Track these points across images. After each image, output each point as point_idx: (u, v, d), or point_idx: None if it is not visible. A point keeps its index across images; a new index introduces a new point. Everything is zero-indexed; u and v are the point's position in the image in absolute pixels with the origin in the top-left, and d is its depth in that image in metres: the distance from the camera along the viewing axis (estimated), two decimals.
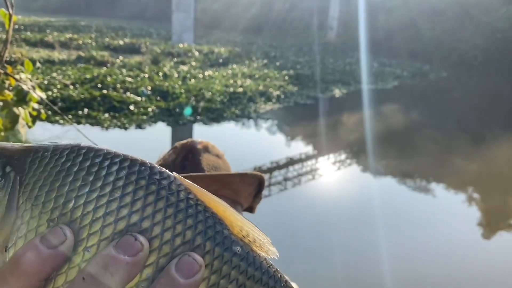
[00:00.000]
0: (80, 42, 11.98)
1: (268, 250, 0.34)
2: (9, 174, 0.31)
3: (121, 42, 12.69)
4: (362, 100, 8.60)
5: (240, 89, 7.79)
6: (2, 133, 1.43)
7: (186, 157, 0.77)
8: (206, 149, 0.80)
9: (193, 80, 8.25)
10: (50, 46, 11.23)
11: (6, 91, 1.37)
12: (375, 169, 5.18)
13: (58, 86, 6.64)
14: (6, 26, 1.19)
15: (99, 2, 30.37)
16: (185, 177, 0.81)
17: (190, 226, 0.30)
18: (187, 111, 6.44)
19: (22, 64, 1.43)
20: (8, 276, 0.28)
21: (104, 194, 0.30)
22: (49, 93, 6.09)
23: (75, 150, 0.32)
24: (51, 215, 0.29)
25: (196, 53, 11.85)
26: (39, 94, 1.42)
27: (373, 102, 8.56)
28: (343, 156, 5.53)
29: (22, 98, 1.37)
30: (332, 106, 8.32)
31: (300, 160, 5.19)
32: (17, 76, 1.36)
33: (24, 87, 1.36)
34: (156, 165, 0.33)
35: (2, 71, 1.36)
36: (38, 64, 8.04)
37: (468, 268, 3.05)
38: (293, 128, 6.91)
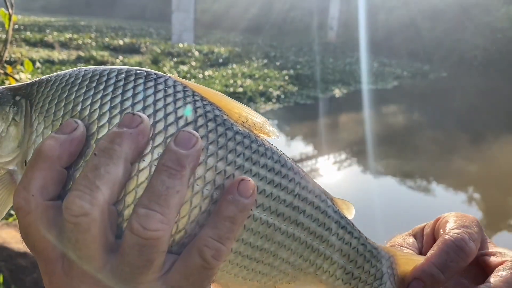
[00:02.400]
0: (80, 42, 11.97)
1: (268, 131, 0.36)
2: (20, 102, 0.35)
3: (121, 42, 12.68)
4: (362, 100, 8.60)
5: (240, 89, 7.78)
6: None
7: None
8: None
9: (193, 80, 8.25)
10: (50, 46, 11.23)
11: None
12: (375, 169, 5.18)
13: None
14: (6, 26, 1.19)
15: (99, 2, 30.36)
16: None
17: (190, 110, 0.33)
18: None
19: (22, 64, 1.43)
20: (33, 164, 0.31)
21: (107, 94, 0.33)
22: None
23: (77, 70, 0.35)
24: (62, 120, 0.32)
25: (196, 53, 11.85)
26: None
27: (373, 102, 8.56)
28: (343, 156, 5.53)
29: None
30: (332, 106, 8.32)
31: (300, 160, 5.19)
32: (17, 76, 1.36)
33: None
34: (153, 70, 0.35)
35: (2, 71, 1.36)
36: (38, 64, 8.03)
37: None
38: (293, 128, 6.91)
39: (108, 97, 0.32)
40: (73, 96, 0.33)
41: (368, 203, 4.11)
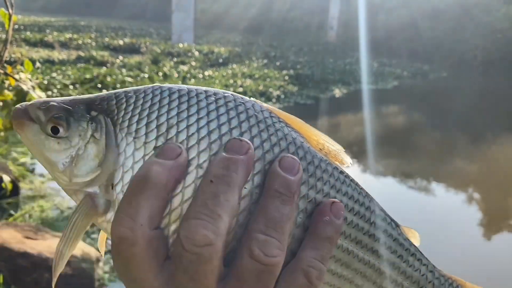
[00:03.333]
0: (80, 42, 11.98)
1: (342, 159, 0.36)
2: (97, 118, 0.33)
3: (121, 42, 12.69)
4: (362, 100, 8.60)
5: (240, 89, 7.78)
6: (2, 133, 1.43)
7: None
8: None
9: (193, 80, 8.25)
10: (50, 46, 11.23)
11: (6, 91, 1.37)
12: (375, 169, 5.18)
13: (58, 86, 6.64)
14: (6, 26, 1.19)
15: (99, 2, 30.36)
16: None
17: (282, 138, 0.33)
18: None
19: (22, 64, 1.43)
20: (139, 192, 0.29)
21: (202, 117, 0.32)
22: (49, 93, 6.09)
23: (157, 88, 0.35)
24: (157, 143, 0.31)
25: (196, 53, 11.84)
26: (39, 94, 1.42)
27: (373, 102, 8.56)
28: None
29: (22, 98, 1.37)
30: (332, 106, 8.32)
31: None
32: (17, 76, 1.36)
33: (24, 87, 1.36)
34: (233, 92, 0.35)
35: (2, 71, 1.36)
36: (37, 64, 8.03)
37: (468, 269, 3.04)
38: None
39: (204, 121, 0.32)
40: (165, 117, 0.32)
41: None
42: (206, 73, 9.06)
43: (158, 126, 0.32)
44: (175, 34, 14.57)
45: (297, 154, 0.32)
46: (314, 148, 0.35)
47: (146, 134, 0.32)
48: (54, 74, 7.44)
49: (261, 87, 8.13)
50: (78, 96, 0.35)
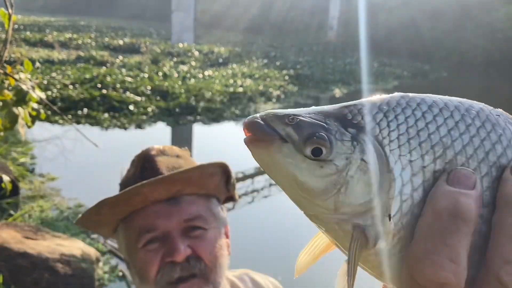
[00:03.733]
0: (80, 42, 11.98)
1: None
2: (359, 137, 0.29)
3: (120, 42, 12.69)
4: None
5: (240, 89, 7.78)
6: (2, 133, 1.43)
7: (144, 167, 0.77)
8: (162, 152, 0.79)
9: (193, 80, 8.24)
10: (49, 46, 11.23)
11: (6, 91, 1.37)
12: None
13: (58, 86, 6.64)
14: (6, 25, 1.18)
15: (99, 1, 30.37)
16: (140, 185, 0.77)
17: None
18: None
19: (21, 64, 1.42)
20: (454, 230, 0.26)
21: (474, 135, 0.28)
22: (49, 93, 6.09)
23: (410, 100, 0.30)
24: (435, 167, 0.28)
25: (196, 53, 11.85)
26: (38, 94, 1.42)
27: None
28: None
29: (21, 98, 1.36)
30: None
31: None
32: (16, 76, 1.36)
33: (24, 87, 1.36)
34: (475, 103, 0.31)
35: (1, 71, 1.35)
36: (37, 64, 8.03)
37: None
38: None
39: (478, 140, 0.28)
40: (438, 136, 0.28)
41: None
42: (206, 73, 9.06)
43: (433, 147, 0.28)
44: (175, 34, 14.57)
45: None
46: None
47: (422, 156, 0.28)
48: (53, 74, 7.44)
49: (261, 87, 8.13)
50: (316, 108, 0.31)
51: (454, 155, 0.28)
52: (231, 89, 7.68)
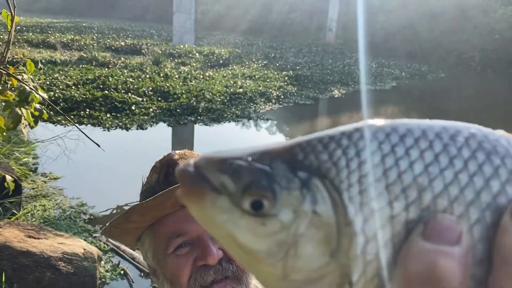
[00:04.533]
0: (82, 43, 12.03)
1: None
2: (311, 182, 0.22)
3: (122, 43, 12.74)
4: (361, 101, 8.63)
5: (240, 90, 7.82)
6: (5, 133, 1.46)
7: (168, 172, 0.75)
8: (184, 156, 0.79)
9: (194, 81, 8.29)
10: (52, 47, 11.28)
11: (9, 92, 1.40)
12: None
13: (60, 87, 6.68)
14: (8, 27, 1.22)
15: (101, 3, 30.43)
16: (173, 188, 0.77)
17: None
18: None
19: (24, 65, 1.46)
20: None
21: (460, 170, 0.22)
22: (51, 93, 6.14)
23: (377, 130, 0.24)
24: (408, 215, 0.21)
25: (197, 54, 11.89)
26: (41, 94, 1.45)
27: (372, 102, 8.59)
28: None
29: (24, 98, 1.40)
30: (331, 107, 8.35)
31: None
32: (19, 77, 1.39)
33: (26, 87, 1.39)
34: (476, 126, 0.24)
35: (4, 72, 1.39)
36: (40, 65, 8.05)
37: None
38: (293, 128, 6.94)
39: (465, 176, 0.21)
40: (411, 176, 0.21)
41: None
42: (207, 74, 9.11)
43: (404, 190, 0.21)
44: (176, 35, 14.62)
45: None
46: None
47: (390, 203, 0.21)
48: (56, 75, 7.49)
49: (261, 88, 8.17)
50: (267, 147, 0.24)
51: (433, 199, 0.21)
52: (232, 90, 7.72)
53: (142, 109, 6.29)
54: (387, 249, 0.21)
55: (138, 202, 0.74)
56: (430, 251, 0.20)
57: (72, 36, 13.19)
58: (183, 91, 7.22)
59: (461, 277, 0.20)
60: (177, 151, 0.80)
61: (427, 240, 0.20)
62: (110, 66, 9.12)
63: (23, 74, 1.47)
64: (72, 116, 5.67)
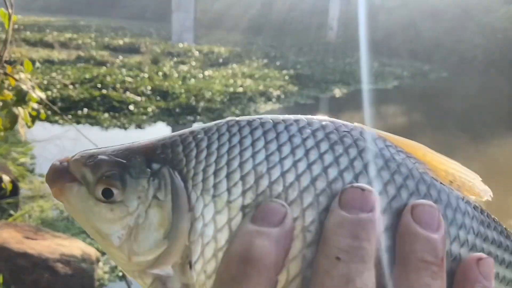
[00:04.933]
0: (80, 42, 11.98)
1: (479, 191, 0.28)
2: (161, 172, 0.24)
3: (120, 42, 12.69)
4: (362, 100, 8.60)
5: (240, 89, 7.79)
6: (2, 133, 1.43)
7: None
8: None
9: (193, 80, 8.25)
10: (49, 46, 11.23)
11: (6, 91, 1.37)
12: None
13: (58, 86, 6.64)
14: (6, 25, 1.18)
15: (99, 2, 30.37)
16: None
17: (408, 175, 0.25)
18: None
19: (21, 64, 1.43)
20: (242, 279, 0.21)
21: (299, 159, 0.23)
22: (49, 93, 6.09)
23: (233, 125, 0.25)
24: (244, 200, 0.23)
25: (196, 53, 11.85)
26: (38, 94, 1.42)
27: (373, 102, 8.57)
28: None
29: (21, 98, 1.37)
30: (332, 106, 8.32)
31: None
32: (16, 76, 1.36)
33: (24, 87, 1.36)
34: (332, 119, 0.26)
35: (1, 71, 1.35)
36: (37, 64, 8.03)
37: None
38: None
39: (304, 164, 0.23)
40: (251, 164, 0.23)
41: None
42: (206, 73, 9.07)
43: (243, 177, 0.23)
44: (175, 34, 14.58)
45: (430, 196, 0.24)
46: (444, 182, 0.27)
47: (229, 189, 0.23)
48: (54, 74, 7.44)
49: (261, 87, 8.14)
50: (134, 144, 0.27)
51: (269, 185, 0.23)
52: (231, 89, 7.68)
53: (141, 109, 6.25)
54: (223, 232, 0.23)
55: None
56: (251, 232, 0.22)
57: (70, 35, 13.15)
58: (182, 91, 7.18)
59: (277, 257, 0.21)
60: None
61: (252, 222, 0.22)
62: (108, 65, 9.08)
63: (20, 73, 1.44)
64: (69, 116, 5.64)
